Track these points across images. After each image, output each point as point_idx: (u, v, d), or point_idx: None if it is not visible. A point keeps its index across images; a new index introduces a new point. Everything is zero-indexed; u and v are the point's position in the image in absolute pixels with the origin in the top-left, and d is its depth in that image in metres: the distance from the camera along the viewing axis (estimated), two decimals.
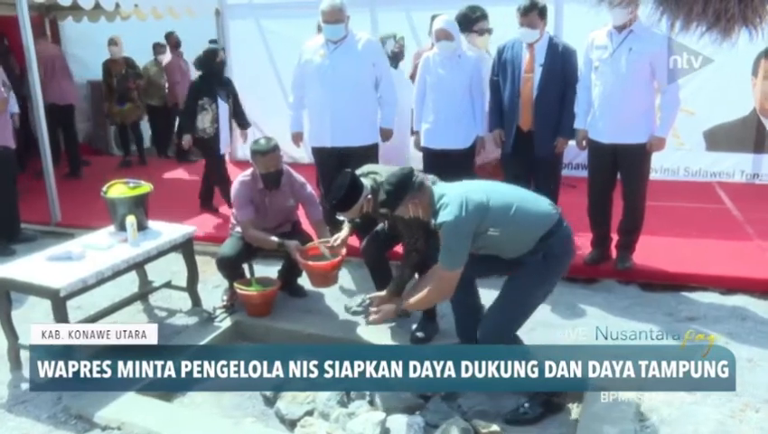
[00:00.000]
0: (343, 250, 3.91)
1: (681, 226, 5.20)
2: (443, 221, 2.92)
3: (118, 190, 4.14)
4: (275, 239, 4.04)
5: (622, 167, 4.40)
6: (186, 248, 4.22)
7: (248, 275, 4.29)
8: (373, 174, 3.58)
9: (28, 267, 3.68)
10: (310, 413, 3.15)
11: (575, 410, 3.14)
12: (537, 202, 3.12)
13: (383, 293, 3.54)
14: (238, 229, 4.19)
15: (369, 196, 3.47)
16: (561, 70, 4.46)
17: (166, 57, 8.76)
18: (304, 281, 4.36)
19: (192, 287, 4.30)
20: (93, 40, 8.72)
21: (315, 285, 4.05)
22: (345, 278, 4.55)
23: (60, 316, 3.41)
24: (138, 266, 4.07)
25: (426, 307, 3.53)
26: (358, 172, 3.57)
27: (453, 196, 2.96)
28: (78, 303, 4.08)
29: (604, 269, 4.60)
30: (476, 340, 3.42)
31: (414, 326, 3.78)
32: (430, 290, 3.07)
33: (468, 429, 2.90)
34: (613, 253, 4.65)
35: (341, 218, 3.80)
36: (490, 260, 3.12)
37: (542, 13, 4.44)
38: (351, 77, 4.51)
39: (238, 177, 4.17)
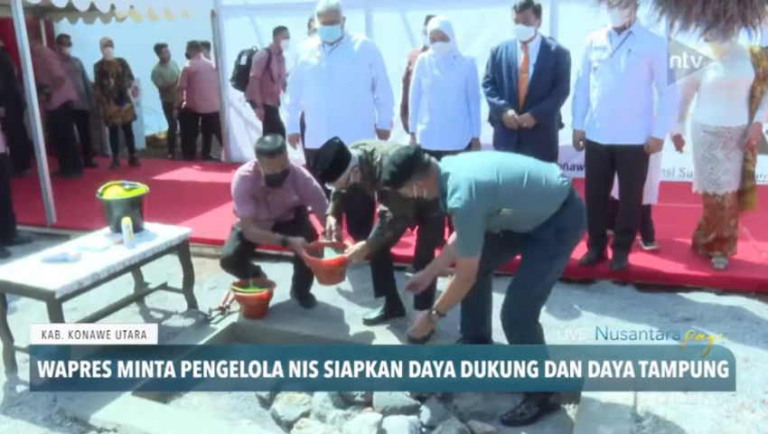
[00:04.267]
0: (350, 246, 3.79)
1: (677, 226, 5.20)
2: (454, 208, 2.84)
3: (114, 191, 4.11)
4: (278, 236, 3.95)
5: (619, 168, 4.41)
6: (182, 249, 4.20)
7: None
8: (363, 145, 3.57)
9: (23, 268, 3.66)
10: (306, 415, 3.14)
11: (571, 410, 3.14)
12: (548, 175, 2.97)
13: (360, 245, 3.65)
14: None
15: (357, 167, 3.45)
16: (553, 69, 4.45)
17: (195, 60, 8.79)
18: (315, 290, 4.29)
19: (187, 288, 4.27)
20: (89, 41, 8.70)
21: (322, 282, 3.93)
22: None
23: (56, 317, 3.39)
24: (134, 267, 4.05)
25: (459, 301, 3.24)
26: (350, 145, 3.55)
27: (461, 178, 2.85)
28: (73, 305, 4.06)
29: (599, 270, 4.61)
30: (477, 338, 3.44)
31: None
32: (454, 283, 2.99)
33: (464, 430, 2.90)
34: (609, 254, 4.65)
35: (330, 188, 3.75)
36: (501, 243, 3.07)
37: (537, 11, 4.44)
38: (347, 78, 4.51)
39: (239, 171, 4.03)
